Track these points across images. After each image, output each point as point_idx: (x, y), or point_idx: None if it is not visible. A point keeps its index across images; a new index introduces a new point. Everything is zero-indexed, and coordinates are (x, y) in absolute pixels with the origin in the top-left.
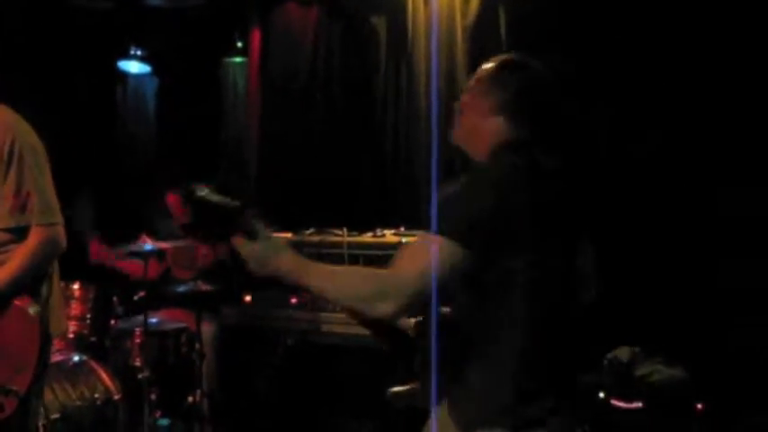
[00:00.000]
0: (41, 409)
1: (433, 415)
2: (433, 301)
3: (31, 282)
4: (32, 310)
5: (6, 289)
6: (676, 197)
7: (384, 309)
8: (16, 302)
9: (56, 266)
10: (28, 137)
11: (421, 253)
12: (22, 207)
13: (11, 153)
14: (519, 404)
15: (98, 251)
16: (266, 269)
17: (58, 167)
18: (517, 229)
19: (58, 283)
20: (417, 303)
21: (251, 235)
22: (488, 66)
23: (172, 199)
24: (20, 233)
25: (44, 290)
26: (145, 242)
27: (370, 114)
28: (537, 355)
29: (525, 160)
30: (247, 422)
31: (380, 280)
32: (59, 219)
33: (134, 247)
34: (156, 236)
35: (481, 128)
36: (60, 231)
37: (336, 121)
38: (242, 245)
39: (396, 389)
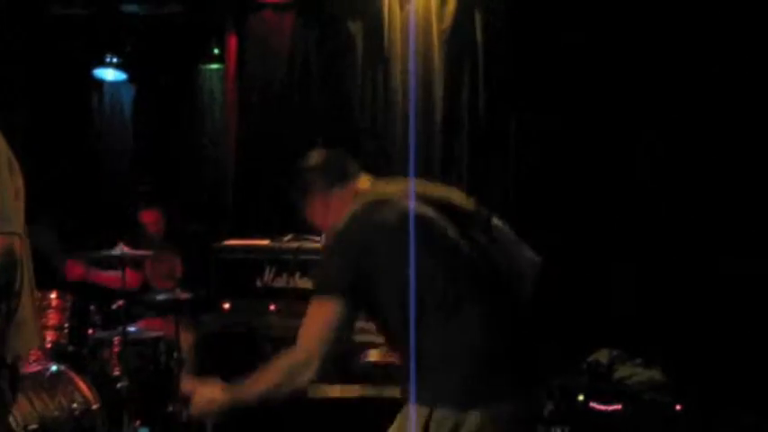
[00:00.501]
0: (3, 423)
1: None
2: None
3: None
4: None
5: None
6: (663, 196)
7: (304, 380)
8: None
9: (26, 281)
10: None
11: (310, 320)
12: None
13: None
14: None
15: (74, 271)
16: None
17: (34, 175)
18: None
19: (29, 298)
20: (327, 358)
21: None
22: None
23: (146, 217)
24: None
25: (4, 305)
26: (122, 250)
27: (348, 119)
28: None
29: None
30: (227, 430)
31: (289, 363)
32: (16, 228)
33: (111, 253)
34: (133, 245)
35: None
36: (16, 242)
37: (314, 127)
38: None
39: (373, 356)
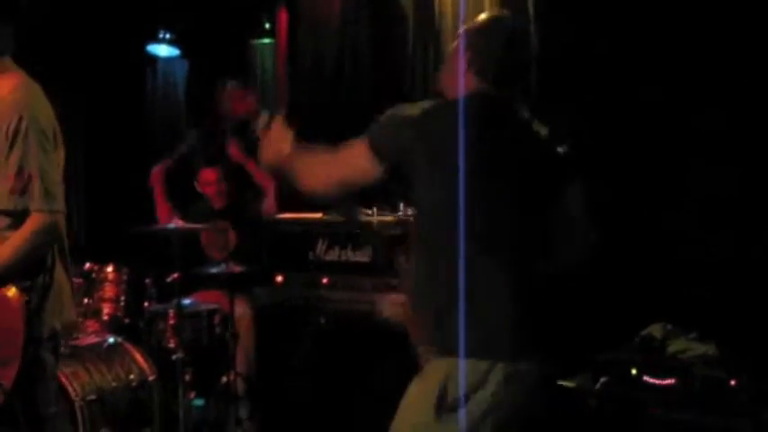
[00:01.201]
0: (51, 392)
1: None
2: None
3: (23, 271)
4: (18, 301)
5: None
6: (717, 162)
7: (312, 182)
8: (5, 293)
9: (62, 256)
10: (40, 117)
11: (348, 151)
12: (22, 189)
13: (16, 132)
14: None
15: (155, 179)
16: None
17: (88, 151)
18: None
19: (64, 273)
20: (339, 188)
21: None
22: (472, 24)
23: (206, 176)
24: (19, 218)
25: (40, 280)
26: (176, 223)
27: (399, 93)
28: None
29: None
30: (282, 402)
31: (319, 161)
32: (61, 207)
33: (167, 227)
34: (187, 219)
35: (456, 81)
36: (60, 220)
37: (365, 101)
38: None
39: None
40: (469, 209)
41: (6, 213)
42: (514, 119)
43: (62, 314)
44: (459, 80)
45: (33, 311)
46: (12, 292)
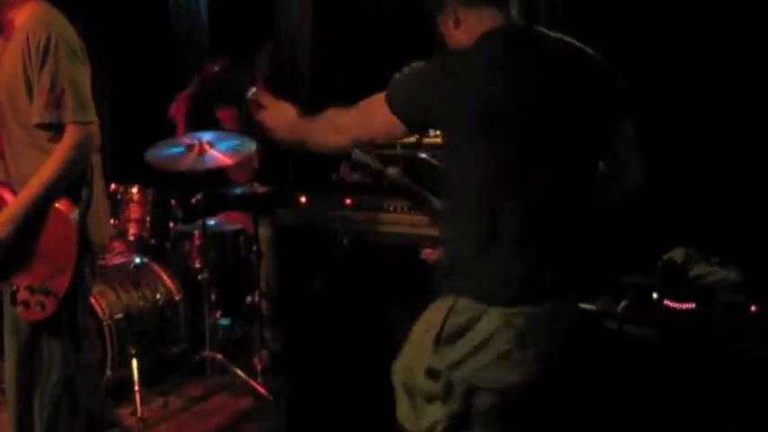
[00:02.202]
0: (88, 307)
1: None
2: None
3: (69, 185)
4: (71, 213)
5: (44, 190)
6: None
7: (336, 140)
8: (56, 205)
9: (98, 172)
10: (65, 33)
11: (371, 103)
12: (56, 103)
13: (46, 48)
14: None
15: (176, 111)
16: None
17: (112, 72)
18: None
19: (101, 189)
20: (360, 140)
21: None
22: None
23: (222, 114)
24: (58, 131)
25: (84, 194)
26: None
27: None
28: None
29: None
30: (305, 321)
31: (335, 119)
32: (94, 118)
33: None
34: None
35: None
36: (95, 131)
37: (390, 17)
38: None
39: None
40: (501, 156)
41: (44, 127)
42: (544, 50)
43: (101, 229)
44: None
45: (83, 222)
46: (64, 203)
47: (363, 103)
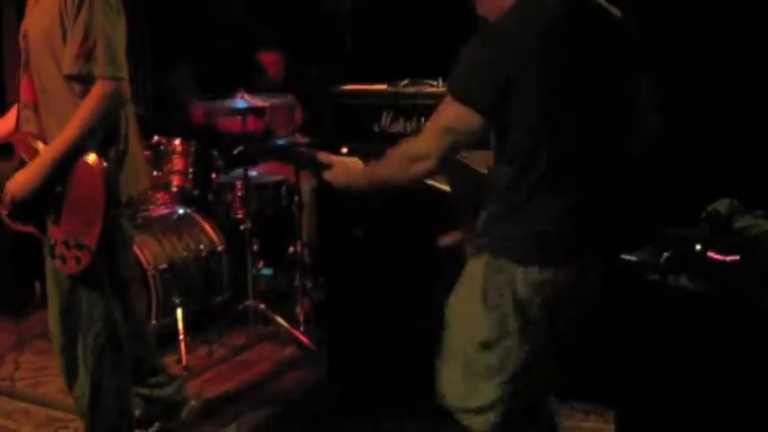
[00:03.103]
0: (129, 258)
1: None
2: None
3: (99, 138)
4: (99, 167)
5: (71, 143)
6: None
7: (418, 172)
8: (84, 159)
9: (133, 125)
10: None
11: (439, 118)
12: (87, 55)
13: (81, 0)
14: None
15: (200, 115)
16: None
17: (154, 25)
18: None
19: (137, 143)
20: (446, 159)
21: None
22: None
23: (266, 58)
24: (88, 85)
25: (114, 147)
26: (243, 98)
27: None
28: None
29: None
30: (346, 271)
31: (408, 153)
32: (125, 74)
33: (232, 104)
34: (254, 92)
35: None
36: (125, 87)
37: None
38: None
39: (445, 240)
40: (555, 115)
41: (75, 80)
42: (577, 9)
43: (137, 182)
44: None
45: (112, 176)
46: (92, 157)
47: (430, 121)
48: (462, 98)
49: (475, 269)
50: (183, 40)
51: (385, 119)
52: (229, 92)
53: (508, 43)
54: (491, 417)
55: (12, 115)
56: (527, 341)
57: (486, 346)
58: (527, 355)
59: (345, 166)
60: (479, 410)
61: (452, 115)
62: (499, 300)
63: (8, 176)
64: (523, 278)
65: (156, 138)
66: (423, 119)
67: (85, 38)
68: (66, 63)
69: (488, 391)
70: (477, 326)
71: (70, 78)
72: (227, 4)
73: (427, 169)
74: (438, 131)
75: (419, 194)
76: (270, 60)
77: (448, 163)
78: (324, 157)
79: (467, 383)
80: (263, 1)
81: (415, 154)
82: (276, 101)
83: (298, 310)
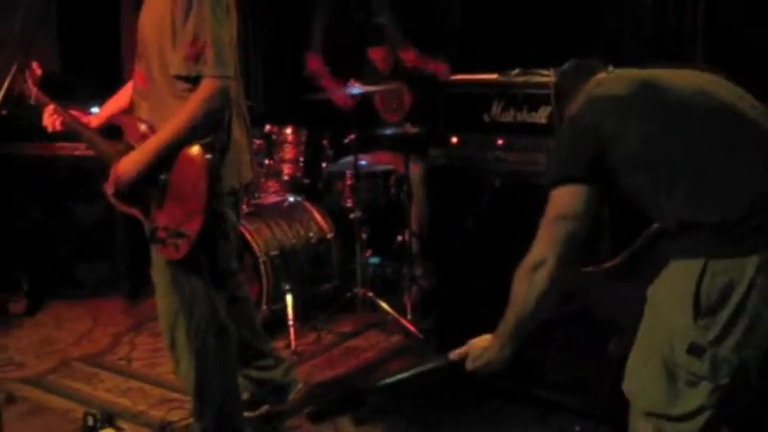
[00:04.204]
0: (231, 247)
1: None
2: None
3: (203, 131)
4: (202, 159)
5: (175, 136)
6: None
7: (543, 279)
8: (187, 150)
9: (237, 117)
10: None
11: (546, 214)
12: (196, 57)
13: (191, 1)
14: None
15: (315, 66)
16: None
17: (268, 12)
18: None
19: (241, 133)
20: (569, 256)
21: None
22: None
23: (374, 54)
24: (195, 83)
25: (219, 139)
26: (353, 86)
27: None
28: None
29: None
30: (455, 261)
31: (525, 268)
32: (231, 72)
33: (345, 91)
34: (363, 80)
35: None
36: (231, 85)
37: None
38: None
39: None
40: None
41: (183, 79)
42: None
43: (240, 172)
44: None
45: (214, 168)
46: (195, 150)
47: (541, 227)
48: (559, 179)
49: (685, 272)
50: (294, 32)
51: (495, 108)
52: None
53: (582, 114)
54: (695, 424)
55: (125, 93)
56: (744, 346)
57: (695, 351)
58: (741, 362)
59: (477, 344)
60: (683, 417)
61: (556, 202)
62: (716, 304)
63: (114, 158)
64: (749, 277)
65: (268, 127)
66: (533, 109)
67: (195, 39)
68: (175, 64)
69: (696, 398)
70: (687, 331)
71: (178, 78)
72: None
73: (549, 273)
74: (547, 227)
75: (530, 187)
76: (379, 56)
77: (570, 261)
78: (454, 355)
79: (670, 388)
80: None
81: (532, 263)
82: (385, 88)
83: (405, 298)
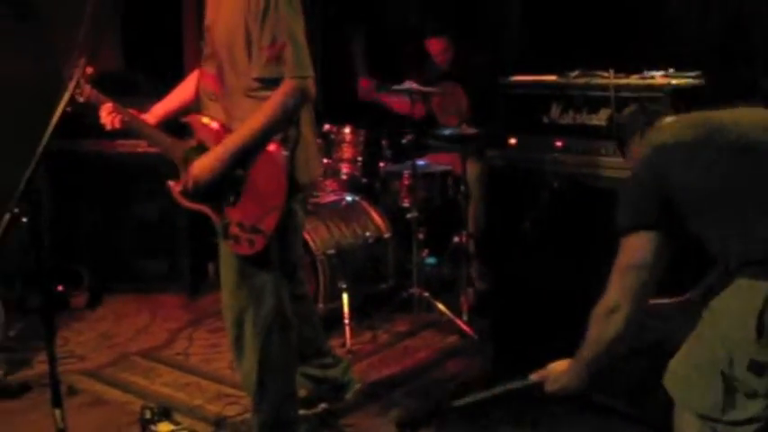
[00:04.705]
0: (299, 243)
1: None
2: None
3: (280, 129)
4: (281, 156)
5: (254, 136)
6: None
7: (617, 325)
8: (267, 148)
9: (307, 114)
10: None
11: (617, 261)
12: (276, 58)
13: (267, 4)
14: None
15: (366, 87)
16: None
17: (323, 14)
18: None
19: (310, 131)
20: (643, 303)
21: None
22: None
23: (433, 46)
24: (274, 83)
25: (291, 134)
26: (411, 86)
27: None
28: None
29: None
30: (511, 262)
31: (600, 312)
32: (311, 72)
33: (400, 88)
34: (420, 77)
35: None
36: (311, 84)
37: None
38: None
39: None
40: None
41: (263, 81)
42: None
43: (309, 169)
44: None
45: (291, 165)
46: (274, 146)
47: (614, 272)
48: (629, 227)
49: (752, 290)
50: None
51: (554, 110)
52: (395, 75)
53: (649, 162)
54: (748, 429)
55: (184, 92)
56: None
57: (755, 369)
58: None
59: (555, 369)
60: (736, 423)
61: (627, 251)
62: None
63: (182, 155)
64: None
65: (326, 126)
66: (592, 111)
67: (273, 41)
68: (256, 67)
69: (751, 408)
70: (749, 348)
71: (260, 80)
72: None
73: (624, 319)
74: (619, 276)
75: (588, 189)
76: (437, 48)
77: (644, 305)
78: (535, 376)
79: (727, 398)
80: None
81: (608, 307)
82: (442, 89)
83: (461, 299)
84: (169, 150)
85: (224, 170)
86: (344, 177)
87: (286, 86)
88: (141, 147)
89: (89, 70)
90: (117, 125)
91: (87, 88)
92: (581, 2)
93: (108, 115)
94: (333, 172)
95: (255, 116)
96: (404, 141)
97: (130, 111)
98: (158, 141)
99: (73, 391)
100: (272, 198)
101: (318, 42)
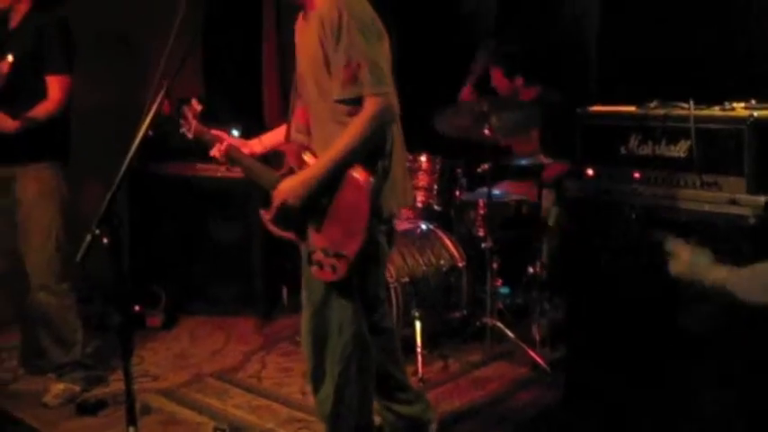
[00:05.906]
0: (381, 275)
1: None
2: None
3: (366, 153)
4: (366, 181)
5: (340, 158)
6: None
7: None
8: (351, 172)
9: (398, 141)
10: (356, 8)
11: None
12: (353, 79)
13: (339, 27)
14: None
15: (468, 94)
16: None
17: (399, 41)
18: None
19: (401, 159)
20: None
21: None
22: None
23: (496, 76)
24: (356, 104)
25: (381, 163)
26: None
27: None
28: None
29: None
30: (586, 294)
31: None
32: (390, 88)
33: None
34: None
35: None
36: (392, 100)
37: None
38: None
39: None
40: None
41: (344, 102)
42: None
43: (398, 199)
44: None
45: (376, 192)
46: (358, 171)
47: None
48: None
49: None
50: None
51: (632, 141)
52: None
53: None
54: None
55: (281, 131)
56: None
57: None
58: None
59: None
60: None
61: None
62: None
63: (276, 184)
64: None
65: None
66: (671, 142)
67: (348, 62)
68: (335, 89)
69: None
70: None
71: (340, 102)
72: (473, 30)
73: None
74: None
75: (668, 222)
76: (498, 74)
77: None
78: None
79: None
80: (509, 21)
81: None
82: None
83: (534, 330)
84: (263, 181)
85: (311, 191)
86: (420, 205)
87: (368, 105)
88: (220, 171)
89: (197, 107)
90: (218, 156)
91: (194, 123)
92: (658, 32)
93: (217, 148)
94: None
95: (341, 137)
96: (479, 170)
97: (230, 141)
98: (253, 172)
99: (147, 410)
100: (354, 223)
101: (395, 71)
